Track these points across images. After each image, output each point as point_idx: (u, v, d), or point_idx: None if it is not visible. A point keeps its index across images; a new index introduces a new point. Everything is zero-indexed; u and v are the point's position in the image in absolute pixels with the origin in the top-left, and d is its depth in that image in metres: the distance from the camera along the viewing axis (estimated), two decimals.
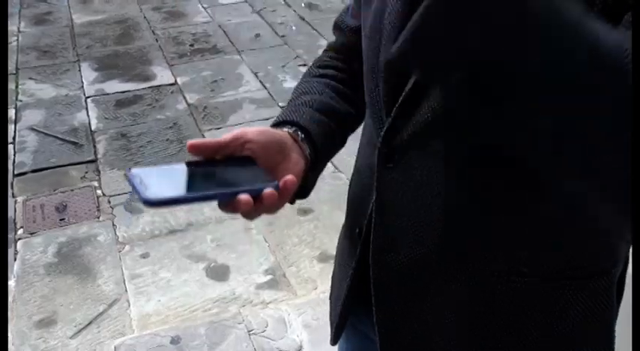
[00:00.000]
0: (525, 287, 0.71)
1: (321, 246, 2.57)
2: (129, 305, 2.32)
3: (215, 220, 2.73)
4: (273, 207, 0.68)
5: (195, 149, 0.67)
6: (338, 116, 0.89)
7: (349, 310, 0.92)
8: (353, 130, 0.94)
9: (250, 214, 0.68)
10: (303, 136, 0.80)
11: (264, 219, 2.70)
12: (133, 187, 0.60)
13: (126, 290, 2.38)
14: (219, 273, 2.46)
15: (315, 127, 0.83)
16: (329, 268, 2.53)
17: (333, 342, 0.99)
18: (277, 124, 0.82)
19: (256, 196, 0.65)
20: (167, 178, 0.62)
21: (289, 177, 0.69)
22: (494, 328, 0.74)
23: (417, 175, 0.71)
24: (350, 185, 0.91)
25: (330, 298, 1.01)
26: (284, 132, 0.79)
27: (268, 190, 0.66)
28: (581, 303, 0.73)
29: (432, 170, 0.71)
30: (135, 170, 0.61)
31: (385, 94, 0.74)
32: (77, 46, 4.42)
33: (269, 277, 2.43)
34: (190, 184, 0.63)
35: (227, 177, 0.67)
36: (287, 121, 0.83)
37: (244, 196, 0.64)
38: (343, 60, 0.96)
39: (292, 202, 0.78)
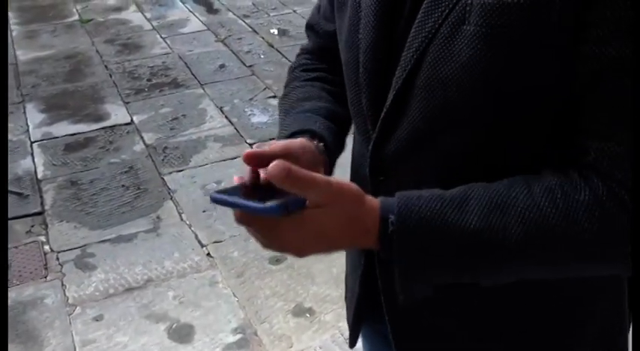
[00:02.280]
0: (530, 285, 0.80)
1: (296, 298, 2.55)
2: None
3: (177, 274, 2.71)
4: None
5: (250, 158, 0.76)
6: (341, 120, 0.98)
7: (363, 311, 1.02)
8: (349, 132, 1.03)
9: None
10: (322, 145, 0.89)
11: (231, 271, 2.69)
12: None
13: None
14: (182, 334, 2.42)
15: (329, 135, 0.92)
16: (305, 322, 2.52)
17: (351, 344, 1.09)
18: (294, 133, 0.90)
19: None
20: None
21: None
22: (503, 323, 0.88)
23: (411, 186, 0.78)
24: None
25: (345, 299, 1.12)
26: (313, 144, 0.87)
27: None
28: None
29: (423, 182, 0.78)
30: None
31: (368, 109, 0.84)
32: (22, 85, 4.43)
33: (239, 336, 2.40)
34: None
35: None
36: (305, 130, 0.90)
37: None
38: (328, 62, 1.04)
39: None
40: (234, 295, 2.58)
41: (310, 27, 1.09)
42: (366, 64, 0.84)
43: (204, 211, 3.07)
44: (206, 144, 3.65)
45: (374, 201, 0.74)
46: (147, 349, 2.36)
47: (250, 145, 3.61)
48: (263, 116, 3.88)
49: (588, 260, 0.73)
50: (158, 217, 3.06)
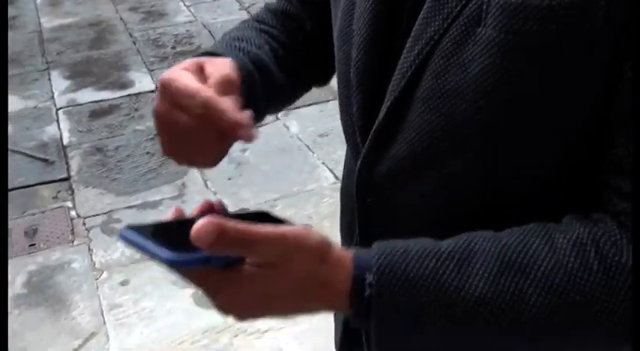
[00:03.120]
0: None
1: None
2: (108, 339, 2.30)
3: None
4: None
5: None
6: (269, 79, 0.81)
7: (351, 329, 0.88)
8: (276, 108, 0.89)
9: None
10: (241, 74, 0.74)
11: None
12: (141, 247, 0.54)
13: (104, 322, 2.36)
14: (207, 300, 2.43)
15: (245, 76, 0.75)
16: None
17: None
18: (207, 55, 0.75)
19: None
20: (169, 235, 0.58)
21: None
22: None
23: (398, 213, 0.69)
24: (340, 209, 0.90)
25: (335, 317, 0.99)
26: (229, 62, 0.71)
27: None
28: None
29: (417, 209, 0.68)
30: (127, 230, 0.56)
31: (358, 119, 0.71)
32: (46, 52, 4.43)
33: None
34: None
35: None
36: (220, 55, 0.75)
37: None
38: (289, 27, 0.90)
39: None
40: None
41: None
42: (358, 63, 0.69)
43: (229, 179, 3.06)
44: None
45: (345, 255, 0.58)
46: (172, 314, 2.38)
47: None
48: None
49: (626, 341, 0.57)
50: (183, 184, 3.07)
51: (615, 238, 0.57)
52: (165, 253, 0.51)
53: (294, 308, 0.59)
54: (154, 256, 0.52)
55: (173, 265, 0.53)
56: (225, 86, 0.65)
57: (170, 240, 0.54)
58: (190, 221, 0.52)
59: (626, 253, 0.56)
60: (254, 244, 0.53)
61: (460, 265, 0.57)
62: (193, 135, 0.64)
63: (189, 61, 0.68)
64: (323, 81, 0.97)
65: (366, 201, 0.73)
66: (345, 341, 0.88)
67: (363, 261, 0.58)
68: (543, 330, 0.57)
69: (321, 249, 0.56)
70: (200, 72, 0.67)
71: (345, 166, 0.84)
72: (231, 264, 0.54)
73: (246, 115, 0.61)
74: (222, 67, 0.67)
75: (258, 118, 0.80)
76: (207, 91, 0.62)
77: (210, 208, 0.62)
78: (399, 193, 0.69)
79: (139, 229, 0.55)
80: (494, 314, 0.56)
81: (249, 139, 0.61)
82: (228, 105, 0.61)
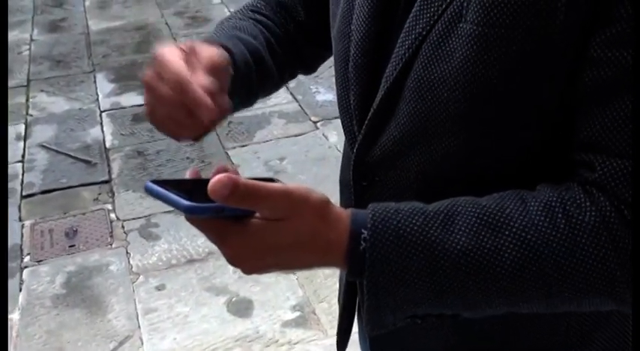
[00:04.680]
0: None
1: None
2: (142, 343, 2.33)
3: None
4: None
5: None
6: (263, 69, 0.90)
7: (352, 318, 0.96)
8: (264, 94, 0.96)
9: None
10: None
11: None
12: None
13: (139, 326, 2.40)
14: (241, 308, 2.46)
15: (243, 67, 0.84)
16: None
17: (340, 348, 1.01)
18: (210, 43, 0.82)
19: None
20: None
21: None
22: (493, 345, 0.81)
23: (393, 194, 0.74)
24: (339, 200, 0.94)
25: (339, 302, 1.05)
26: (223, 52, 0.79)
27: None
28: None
29: (410, 190, 0.74)
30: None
31: (356, 108, 0.78)
32: (93, 55, 4.53)
33: (297, 313, 2.42)
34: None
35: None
36: (221, 45, 0.81)
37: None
38: (281, 17, 0.98)
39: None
40: (294, 273, 2.60)
41: None
42: (356, 58, 0.77)
43: None
44: (270, 120, 3.67)
45: (343, 213, 0.65)
46: (207, 321, 2.41)
47: (314, 122, 3.60)
48: (328, 94, 3.86)
49: (589, 292, 0.64)
50: None
51: (580, 201, 0.64)
52: (184, 201, 0.58)
53: (296, 261, 0.65)
54: (174, 205, 0.58)
55: (190, 212, 0.58)
56: (211, 69, 0.71)
57: (189, 193, 0.60)
58: (207, 180, 0.58)
59: (589, 214, 0.63)
60: (262, 199, 0.58)
61: (445, 222, 0.64)
62: (171, 107, 0.70)
63: (186, 42, 0.74)
64: (310, 69, 1.07)
65: (361, 184, 0.80)
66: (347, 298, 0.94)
67: (359, 218, 0.64)
68: (518, 281, 0.63)
69: (321, 206, 0.63)
70: (193, 53, 0.73)
71: (343, 157, 0.92)
72: (241, 217, 0.60)
73: (208, 98, 0.67)
74: (212, 51, 0.74)
75: (251, 104, 0.92)
76: (183, 69, 0.69)
77: (224, 171, 0.68)
78: (391, 175, 0.77)
79: (163, 182, 0.61)
80: (474, 266, 0.63)
81: (207, 118, 0.68)
82: (199, 84, 0.68)
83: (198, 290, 2.54)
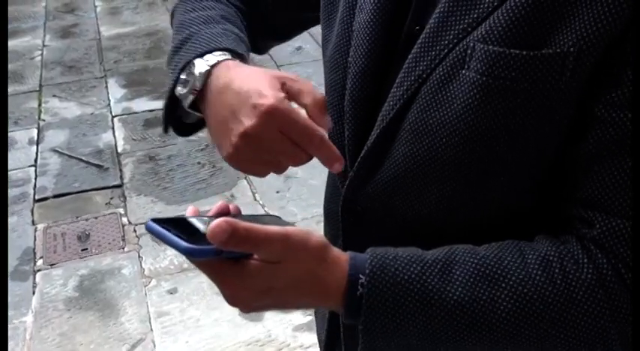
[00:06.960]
0: None
1: None
2: (154, 346, 2.35)
3: None
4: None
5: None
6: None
7: (338, 331, 0.91)
8: None
9: None
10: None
11: None
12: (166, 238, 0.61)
13: (151, 329, 2.42)
14: (253, 312, 2.46)
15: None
16: None
17: None
18: (218, 49, 0.78)
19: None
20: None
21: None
22: None
23: (382, 229, 0.73)
24: (324, 226, 0.93)
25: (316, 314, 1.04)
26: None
27: None
28: None
29: (397, 228, 0.74)
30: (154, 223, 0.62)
31: (350, 143, 0.76)
32: (104, 60, 4.56)
33: (309, 317, 2.43)
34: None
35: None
36: (230, 49, 0.78)
37: None
38: (248, 4, 0.95)
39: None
40: None
41: None
42: (353, 92, 0.75)
43: (277, 192, 3.10)
44: None
45: (342, 256, 0.65)
46: (218, 325, 2.42)
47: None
48: None
49: (582, 347, 0.64)
50: (232, 196, 3.11)
51: (578, 257, 0.64)
52: (183, 243, 0.58)
53: (293, 302, 0.65)
54: (174, 246, 0.59)
55: (189, 255, 0.59)
56: (321, 110, 0.68)
57: (189, 232, 0.60)
58: (208, 218, 0.60)
59: (586, 270, 0.63)
60: (260, 243, 0.59)
61: (442, 271, 0.64)
62: (279, 155, 0.68)
63: (272, 77, 0.68)
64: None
65: (350, 219, 0.80)
66: (329, 339, 0.93)
67: (357, 263, 0.65)
68: (513, 334, 0.64)
69: (320, 250, 0.63)
70: (283, 88, 0.68)
71: (327, 185, 0.90)
72: (240, 258, 0.60)
73: (339, 154, 0.67)
74: (309, 87, 0.69)
75: None
76: (320, 131, 0.66)
77: (225, 209, 0.69)
78: (381, 215, 0.76)
79: (163, 221, 0.61)
80: (470, 317, 0.63)
81: (338, 170, 0.68)
82: (325, 131, 0.66)
83: (210, 294, 2.55)
